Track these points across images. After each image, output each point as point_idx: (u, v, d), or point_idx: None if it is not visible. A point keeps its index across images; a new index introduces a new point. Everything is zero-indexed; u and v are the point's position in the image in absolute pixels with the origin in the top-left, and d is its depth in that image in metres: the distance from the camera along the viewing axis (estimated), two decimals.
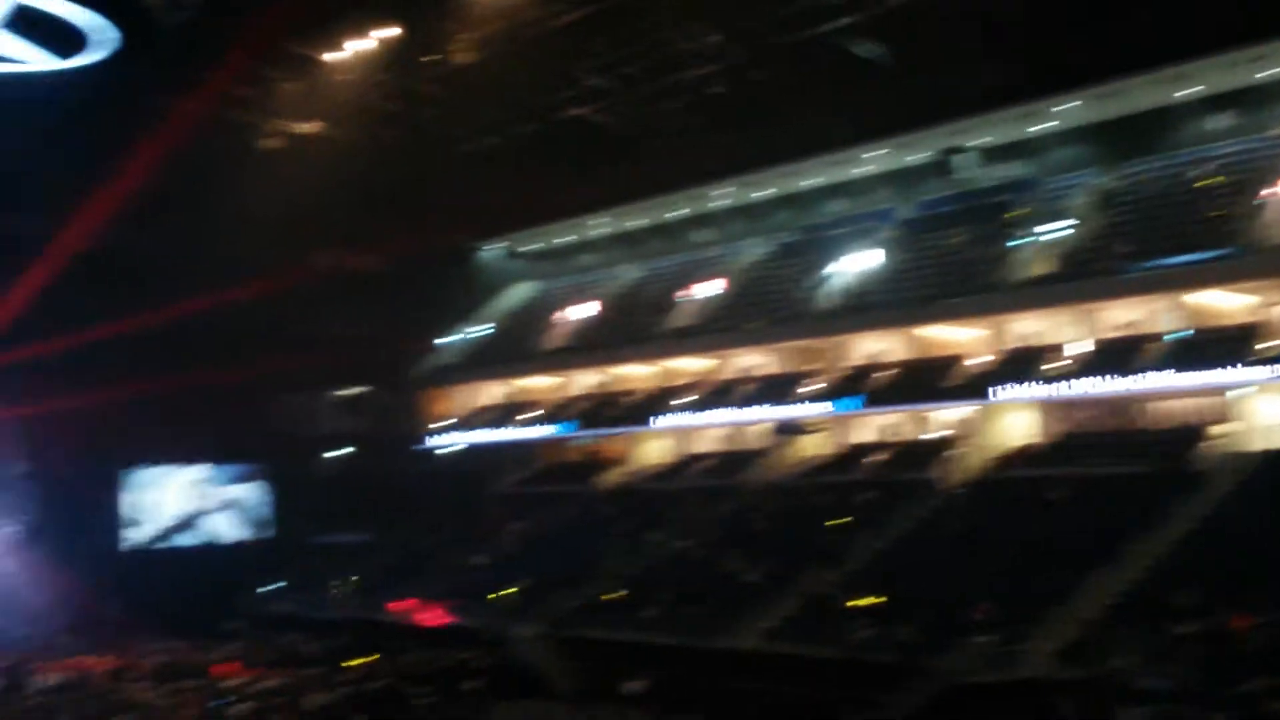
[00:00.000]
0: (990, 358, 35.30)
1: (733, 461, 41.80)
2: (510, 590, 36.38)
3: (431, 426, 50.34)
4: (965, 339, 36.67)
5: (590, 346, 47.01)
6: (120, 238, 41.52)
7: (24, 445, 46.45)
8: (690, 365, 43.71)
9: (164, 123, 38.78)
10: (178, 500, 50.32)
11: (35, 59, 37.92)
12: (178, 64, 38.14)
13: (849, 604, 28.99)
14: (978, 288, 35.98)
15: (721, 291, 44.41)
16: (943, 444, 36.78)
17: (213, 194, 41.94)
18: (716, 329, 42.70)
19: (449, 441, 49.62)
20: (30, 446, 46.34)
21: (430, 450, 50.04)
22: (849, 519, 33.84)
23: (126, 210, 39.70)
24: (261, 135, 43.65)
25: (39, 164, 38.93)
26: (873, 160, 41.46)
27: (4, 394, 43.70)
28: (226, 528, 51.26)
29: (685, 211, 47.92)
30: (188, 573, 45.82)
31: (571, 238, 52.40)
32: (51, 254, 39.76)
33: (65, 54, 37.89)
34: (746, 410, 39.89)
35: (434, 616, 36.63)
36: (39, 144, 38.09)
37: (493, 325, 53.04)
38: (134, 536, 49.04)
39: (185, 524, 50.42)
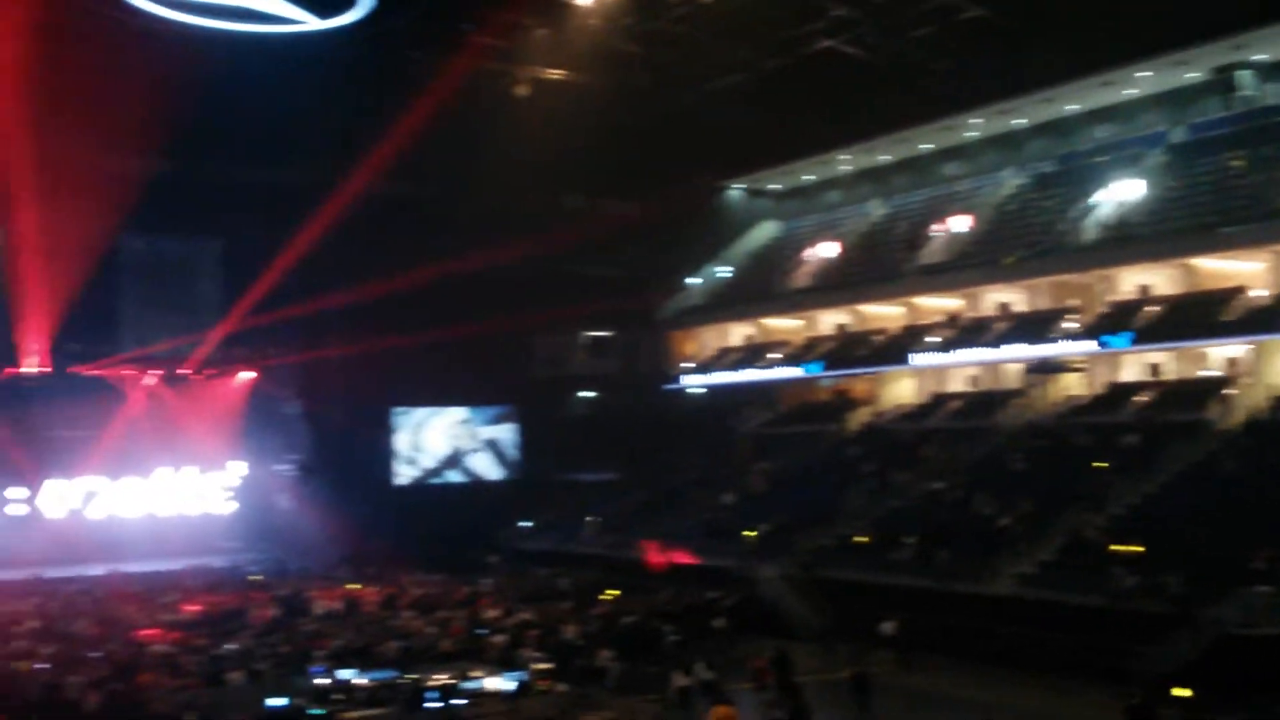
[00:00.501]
0: (1271, 291, 32.58)
1: (984, 402, 40.34)
2: (756, 530, 36.37)
3: (679, 367, 50.81)
4: (1244, 270, 33.93)
5: (836, 286, 46.20)
6: (390, 191, 43.46)
7: (300, 389, 49.66)
8: (939, 304, 42.37)
9: (428, 76, 40.15)
10: (440, 440, 52.74)
11: (305, 19, 40.05)
12: (436, 16, 39.47)
13: (1111, 549, 27.51)
14: (1260, 215, 33.12)
15: (972, 226, 42.66)
16: (1217, 383, 34.29)
17: (473, 145, 43.21)
18: (968, 265, 41.09)
19: (696, 382, 49.97)
20: (306, 390, 49.47)
21: (678, 390, 50.53)
22: (1112, 462, 32.02)
23: (396, 164, 41.41)
24: (516, 84, 44.69)
25: (314, 121, 41.24)
26: (1142, 81, 38.64)
27: (283, 342, 46.80)
28: (484, 467, 53.41)
29: (934, 145, 46.20)
30: (449, 509, 48.11)
31: (817, 175, 51.51)
32: (327, 208, 41.73)
33: (333, 13, 39.81)
34: (1000, 349, 38.32)
35: (681, 555, 37.04)
36: (314, 101, 40.30)
37: (737, 266, 52.92)
38: (401, 475, 51.72)
39: (448, 463, 52.83)
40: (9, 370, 43.22)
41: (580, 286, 48.73)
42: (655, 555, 37.41)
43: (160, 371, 46.81)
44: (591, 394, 54.89)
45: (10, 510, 44.93)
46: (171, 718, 21.74)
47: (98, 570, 39.79)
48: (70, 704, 23.56)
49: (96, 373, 45.32)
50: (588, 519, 43.66)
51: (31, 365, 43.50)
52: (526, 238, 44.84)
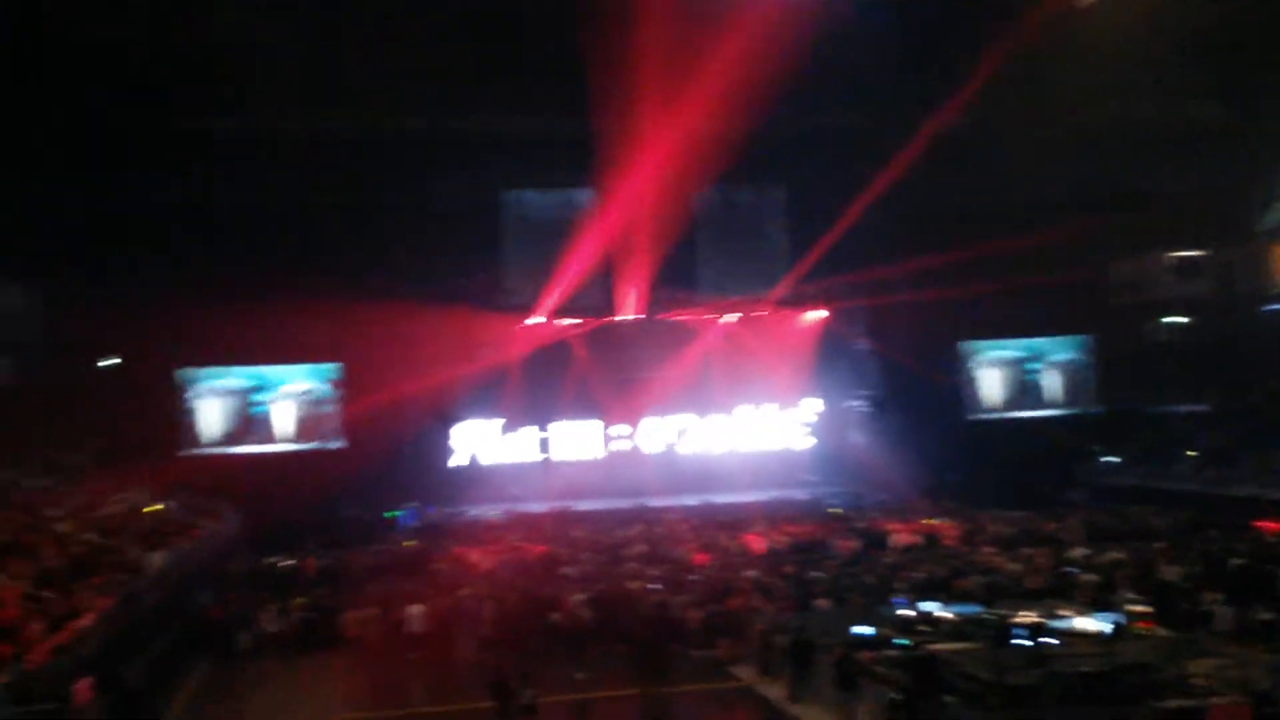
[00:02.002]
0: None
1: None
2: None
3: None
4: None
5: None
6: (946, 129, 42.53)
7: (869, 327, 50.32)
8: None
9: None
10: (1009, 374, 51.26)
11: None
12: None
13: None
14: None
15: None
16: None
17: (1035, 67, 41.07)
18: None
19: None
20: (874, 329, 50.04)
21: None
22: None
23: (954, 100, 40.43)
24: None
25: (877, 62, 41.28)
26: None
27: (849, 283, 47.55)
28: (1057, 400, 51.14)
29: None
30: (1023, 444, 46.64)
31: None
32: (891, 152, 41.72)
33: None
34: None
35: None
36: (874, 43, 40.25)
37: None
38: (974, 409, 50.91)
39: (1019, 397, 51.20)
40: (607, 319, 48.01)
41: (1161, 204, 44.85)
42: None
43: (738, 315, 49.52)
44: (1178, 319, 50.46)
45: (614, 446, 49.88)
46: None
47: (691, 501, 42.93)
48: (675, 621, 25.79)
49: (682, 318, 49.03)
50: (1188, 453, 40.31)
51: (627, 314, 47.90)
52: (1092, 157, 41.90)
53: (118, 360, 44.90)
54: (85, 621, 20.60)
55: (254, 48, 36.08)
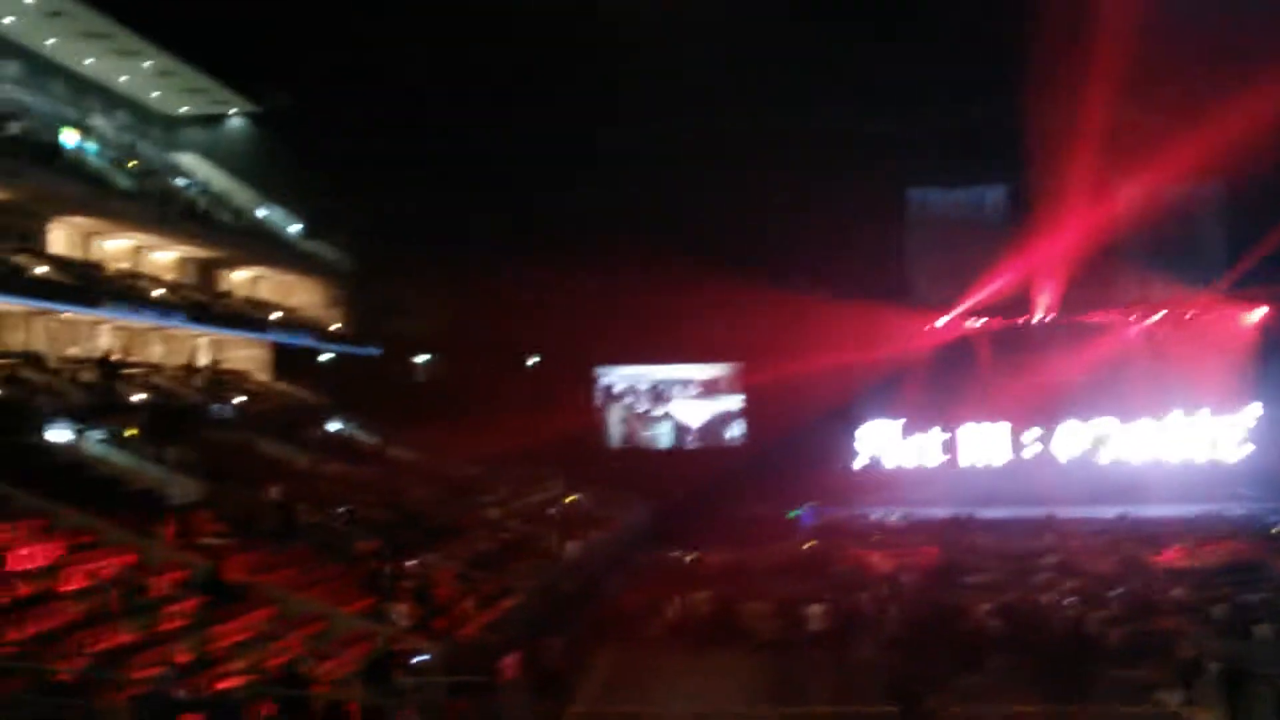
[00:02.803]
0: None
1: None
2: None
3: None
4: None
5: None
6: None
7: None
8: None
9: None
10: None
11: None
12: None
13: None
14: None
15: None
16: None
17: None
18: None
19: None
20: None
21: None
22: None
23: None
24: None
25: None
26: None
27: None
28: None
29: None
30: None
31: None
32: None
33: None
34: None
35: None
36: None
37: None
38: None
39: None
40: (1020, 319, 45.95)
41: None
42: None
43: (1163, 313, 45.96)
44: None
45: (1026, 453, 47.61)
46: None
47: (1108, 512, 40.21)
48: (1092, 638, 24.11)
49: (1102, 318, 46.10)
50: None
51: (1041, 313, 45.68)
52: None
53: (539, 359, 48.19)
54: (511, 602, 22.08)
55: (663, 54, 37.45)
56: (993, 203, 45.56)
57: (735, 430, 48.48)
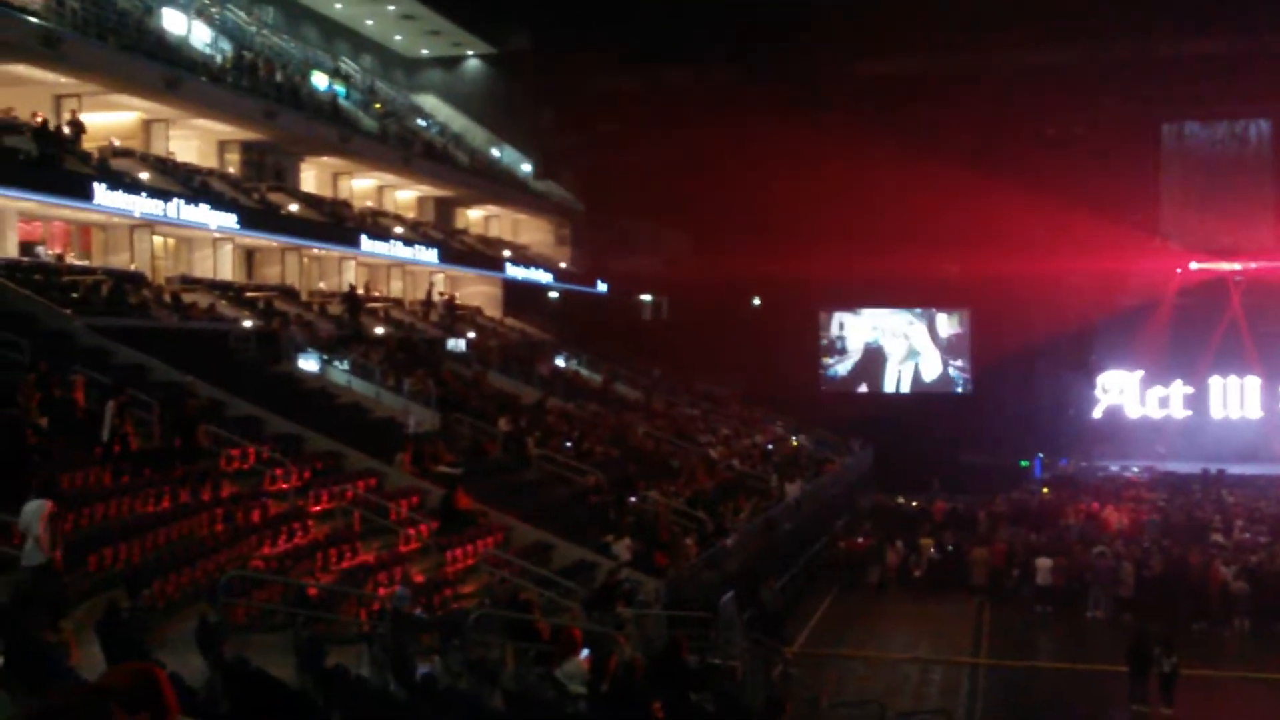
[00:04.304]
0: None
1: None
2: None
3: None
4: None
5: None
6: None
7: None
8: None
9: None
10: None
11: None
12: None
13: None
14: None
15: None
16: None
17: None
18: None
19: None
20: None
21: None
22: None
23: None
24: None
25: None
26: None
27: None
28: None
29: None
30: None
31: None
32: None
33: None
34: None
35: None
36: None
37: None
38: None
39: None
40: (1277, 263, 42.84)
41: None
42: None
43: None
44: None
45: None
46: None
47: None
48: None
49: None
50: None
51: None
52: None
53: (762, 301, 47.96)
54: (731, 541, 22.20)
55: None
56: (1256, 137, 42.23)
57: (962, 376, 47.11)
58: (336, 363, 25.53)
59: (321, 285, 32.94)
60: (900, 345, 48.19)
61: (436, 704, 9.91)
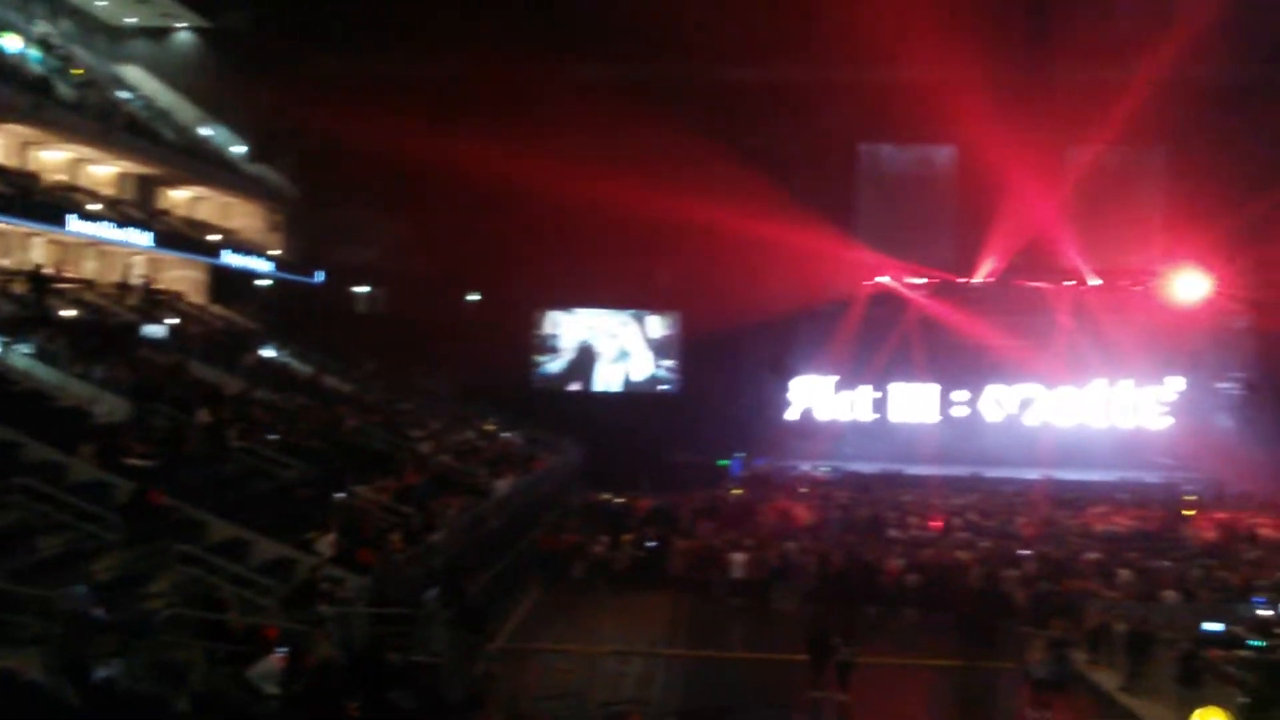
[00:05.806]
0: None
1: None
2: None
3: None
4: None
5: None
6: None
7: (1250, 302, 45.99)
8: None
9: None
10: None
11: None
12: None
13: None
14: None
15: None
16: None
17: None
18: None
19: None
20: (1256, 303, 45.70)
21: None
22: None
23: None
24: None
25: None
26: None
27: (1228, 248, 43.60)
28: None
29: None
30: None
31: None
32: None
33: None
34: None
35: None
36: None
37: None
38: None
39: None
40: (957, 280, 46.50)
41: None
42: None
43: (1099, 282, 46.61)
44: None
45: (954, 412, 48.32)
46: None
47: (1032, 475, 41.03)
48: (1004, 596, 24.84)
49: (1038, 284, 46.66)
50: None
51: (979, 276, 46.20)
52: None
53: (479, 296, 47.98)
54: (438, 536, 22.24)
55: None
56: (940, 162, 45.82)
57: (671, 377, 48.78)
58: (17, 346, 23.86)
59: (5, 263, 30.65)
60: (612, 345, 49.35)
61: (115, 707, 9.58)
